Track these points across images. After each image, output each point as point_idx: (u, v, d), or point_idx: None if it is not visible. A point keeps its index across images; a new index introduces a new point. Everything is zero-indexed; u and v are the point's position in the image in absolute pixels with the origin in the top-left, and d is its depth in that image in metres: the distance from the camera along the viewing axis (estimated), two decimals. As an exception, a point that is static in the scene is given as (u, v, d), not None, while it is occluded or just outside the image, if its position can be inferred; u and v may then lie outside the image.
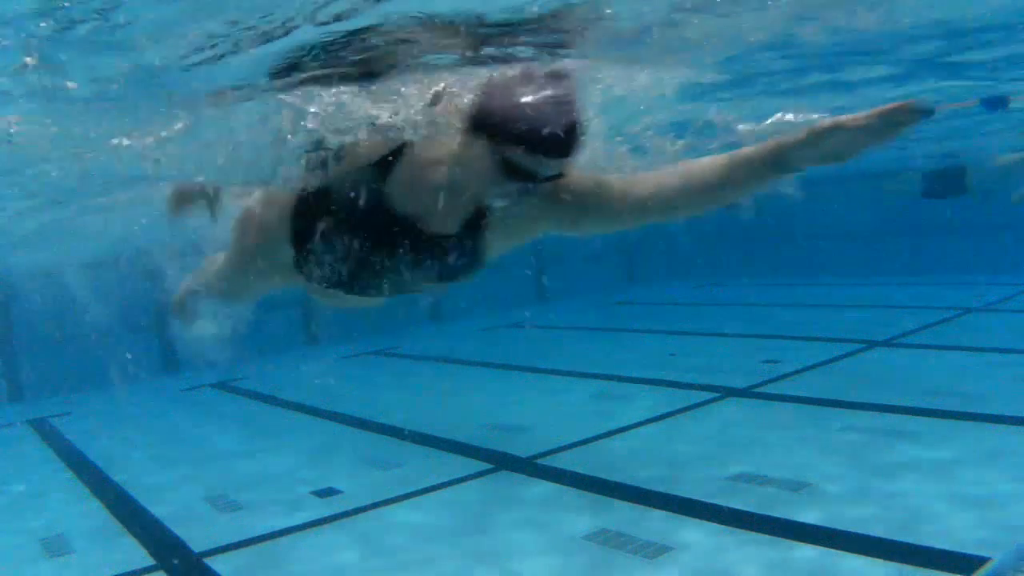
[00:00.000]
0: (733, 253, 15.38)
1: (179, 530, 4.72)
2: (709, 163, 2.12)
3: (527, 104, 1.88)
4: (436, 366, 9.82)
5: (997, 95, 6.61)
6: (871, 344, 8.27)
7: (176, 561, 4.33)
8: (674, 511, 4.29)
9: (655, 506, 4.40)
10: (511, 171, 1.95)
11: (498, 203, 2.15)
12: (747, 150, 2.07)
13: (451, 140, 2.04)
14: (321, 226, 2.28)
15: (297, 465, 5.91)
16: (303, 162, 2.41)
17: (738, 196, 2.15)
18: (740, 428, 5.77)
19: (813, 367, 7.49)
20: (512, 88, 1.93)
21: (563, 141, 1.90)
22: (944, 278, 12.68)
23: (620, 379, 7.77)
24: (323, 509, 4.87)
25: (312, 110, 2.72)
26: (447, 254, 2.28)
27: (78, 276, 10.06)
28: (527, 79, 1.94)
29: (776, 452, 5.08)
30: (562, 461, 5.39)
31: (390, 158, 2.16)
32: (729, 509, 4.23)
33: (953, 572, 3.31)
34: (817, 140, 1.92)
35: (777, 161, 2.01)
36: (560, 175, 2.04)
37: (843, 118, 1.87)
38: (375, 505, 4.87)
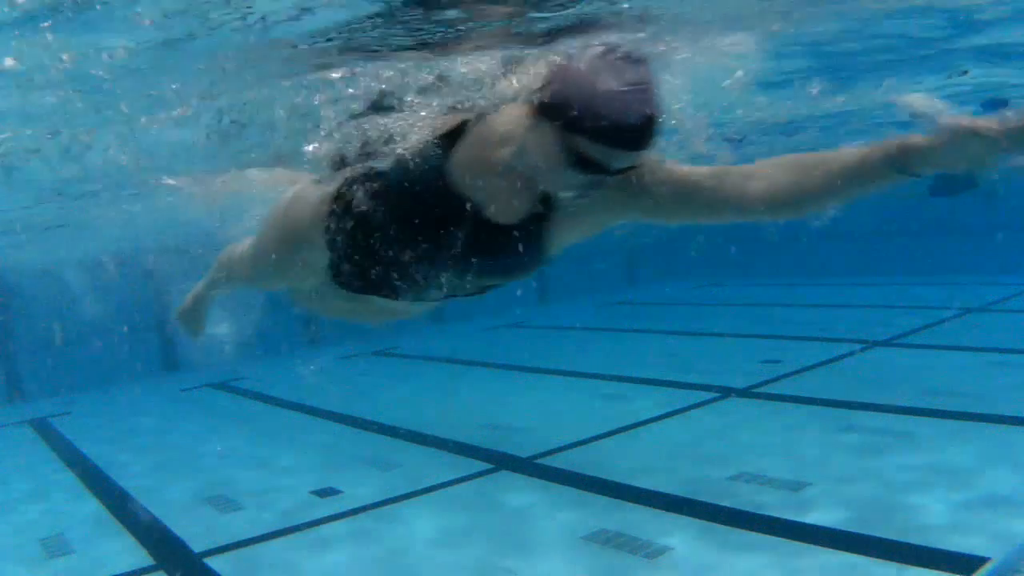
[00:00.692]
0: (733, 253, 15.38)
1: (179, 530, 4.72)
2: (814, 162, 1.87)
3: (603, 92, 1.72)
4: (436, 366, 9.82)
5: (997, 97, 6.61)
6: (871, 344, 8.27)
7: (176, 561, 4.33)
8: (674, 511, 4.29)
9: (655, 506, 4.40)
10: (581, 163, 1.80)
11: (565, 194, 1.97)
12: (862, 149, 1.81)
13: (518, 121, 1.89)
14: (365, 220, 2.11)
15: (297, 465, 5.90)
16: (355, 145, 2.30)
17: (841, 200, 1.90)
18: (740, 428, 5.77)
19: (813, 367, 7.49)
20: (587, 73, 1.76)
21: (640, 134, 1.75)
22: (944, 278, 12.67)
23: (620, 379, 7.76)
24: (323, 509, 4.87)
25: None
26: (509, 246, 2.10)
27: (78, 275, 10.07)
28: (604, 63, 1.76)
29: (776, 452, 5.08)
30: (562, 461, 5.39)
31: (455, 134, 2.01)
32: (729, 509, 4.23)
33: (953, 572, 3.31)
34: (951, 145, 1.64)
35: (901, 163, 1.74)
36: (633, 167, 1.89)
37: (980, 122, 1.59)
38: (375, 505, 4.87)
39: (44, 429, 8.22)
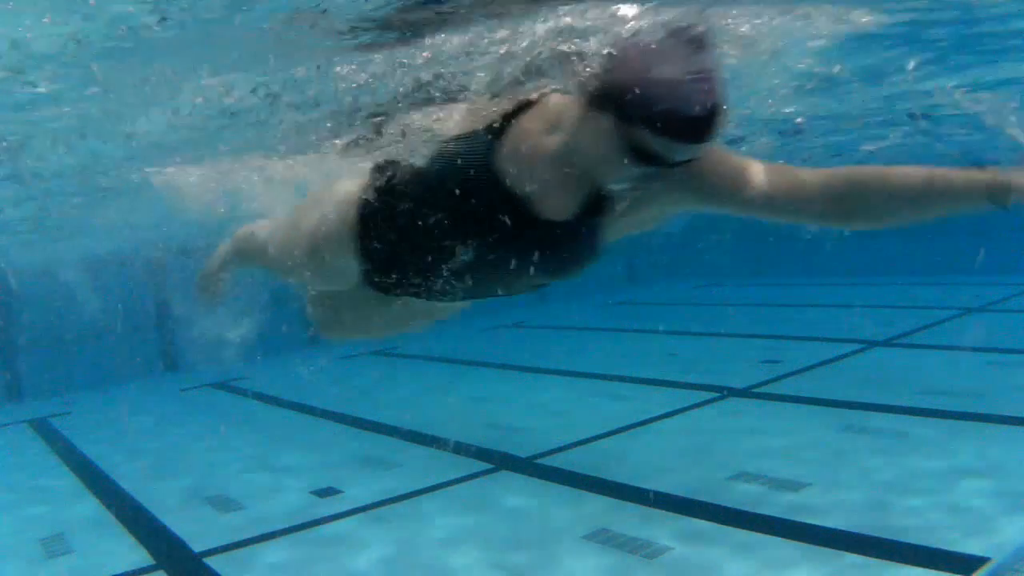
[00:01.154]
0: (733, 253, 15.37)
1: (179, 530, 4.72)
2: (898, 176, 1.79)
3: (666, 81, 1.60)
4: (436, 366, 9.82)
5: None
6: (871, 344, 8.27)
7: (176, 561, 4.33)
8: (674, 511, 4.29)
9: (655, 506, 4.40)
10: (639, 156, 1.69)
11: (620, 187, 1.86)
12: (952, 172, 1.74)
13: (570, 111, 1.77)
14: (405, 222, 1.99)
15: (297, 465, 5.90)
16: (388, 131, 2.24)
17: (914, 221, 1.85)
18: (740, 428, 5.76)
19: (813, 367, 7.49)
20: (648, 59, 1.63)
21: (704, 126, 1.63)
22: (944, 278, 12.67)
23: (620, 379, 7.76)
24: (323, 509, 4.87)
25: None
26: (562, 244, 1.99)
27: (78, 275, 10.07)
28: (666, 48, 1.64)
29: (776, 452, 5.08)
30: (562, 461, 5.39)
31: (504, 122, 1.88)
32: (729, 509, 4.23)
33: (953, 572, 3.31)
34: None
35: (998, 194, 1.68)
36: (693, 159, 1.77)
37: None
38: (375, 505, 4.87)
39: (44, 429, 8.22)
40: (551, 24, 2.43)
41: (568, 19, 2.39)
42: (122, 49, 2.65)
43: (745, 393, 6.77)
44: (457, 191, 1.92)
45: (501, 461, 5.49)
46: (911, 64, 4.83)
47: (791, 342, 8.93)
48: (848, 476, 4.54)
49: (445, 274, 2.08)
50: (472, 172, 1.90)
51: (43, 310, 10.25)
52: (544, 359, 9.23)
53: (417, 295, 2.24)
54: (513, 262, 2.02)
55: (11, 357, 10.49)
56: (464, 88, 2.60)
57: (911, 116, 6.77)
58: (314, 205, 2.30)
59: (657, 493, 4.58)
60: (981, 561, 3.34)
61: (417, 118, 2.47)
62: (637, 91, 1.61)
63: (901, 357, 7.76)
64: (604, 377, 7.94)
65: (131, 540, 4.68)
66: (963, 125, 7.94)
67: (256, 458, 6.19)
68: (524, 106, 1.91)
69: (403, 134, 2.41)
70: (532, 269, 2.06)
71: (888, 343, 8.34)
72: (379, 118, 3.01)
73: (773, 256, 15.23)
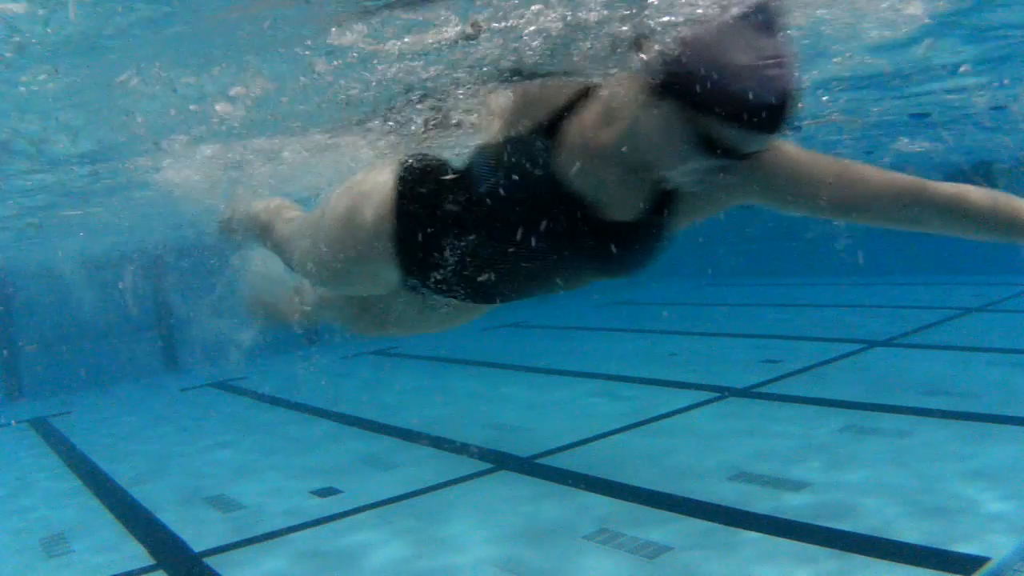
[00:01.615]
0: (733, 253, 15.37)
1: (179, 530, 4.72)
2: (968, 203, 1.75)
3: (738, 67, 1.49)
4: (436, 366, 9.82)
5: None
6: (871, 344, 8.27)
7: (176, 561, 4.33)
8: (674, 511, 4.29)
9: (655, 506, 4.40)
10: (709, 147, 1.59)
11: (686, 182, 1.74)
12: (1016, 202, 1.72)
13: (633, 100, 1.66)
14: (450, 221, 1.88)
15: (297, 465, 5.90)
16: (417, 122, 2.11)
17: (960, 235, 1.82)
18: (740, 428, 5.76)
19: (813, 367, 7.49)
20: (719, 44, 1.52)
21: (779, 115, 1.53)
22: (944, 278, 12.68)
23: (620, 379, 7.76)
24: (323, 508, 4.87)
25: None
26: (627, 245, 1.86)
27: (78, 275, 10.08)
28: (737, 32, 1.53)
29: (776, 452, 5.08)
30: (562, 461, 5.39)
31: (558, 120, 1.75)
32: (729, 509, 4.23)
33: (953, 572, 3.31)
34: None
35: None
36: (764, 151, 1.68)
37: None
38: (375, 505, 4.87)
39: (44, 429, 8.22)
40: None
41: None
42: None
43: (745, 393, 6.77)
44: (514, 201, 1.81)
45: (501, 461, 5.50)
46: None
47: (791, 342, 8.93)
48: (848, 476, 4.54)
49: (495, 280, 1.99)
50: (530, 180, 1.78)
51: (44, 310, 10.26)
52: (544, 359, 9.23)
53: (460, 300, 2.15)
54: (575, 266, 1.94)
55: (11, 357, 10.50)
56: (517, 70, 2.39)
57: (917, 116, 6.77)
58: (344, 213, 2.12)
59: (657, 492, 4.58)
60: (981, 561, 3.34)
61: (465, 103, 2.33)
62: (708, 77, 1.51)
63: (901, 357, 7.76)
64: (604, 377, 7.94)
65: (131, 540, 4.68)
66: (977, 127, 7.93)
67: (256, 458, 6.19)
68: (575, 100, 1.78)
69: (448, 123, 2.26)
70: (594, 271, 1.98)
71: (888, 343, 8.34)
72: (430, 101, 2.79)
73: (773, 256, 15.24)
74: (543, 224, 1.81)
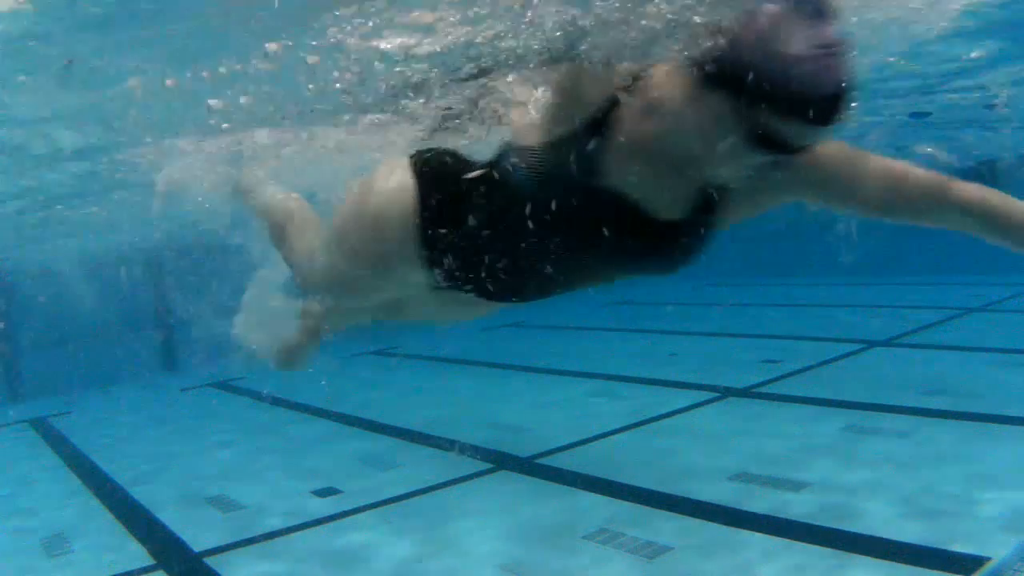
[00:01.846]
0: (733, 252, 15.35)
1: (179, 530, 4.72)
2: (994, 202, 1.76)
3: (794, 56, 1.42)
4: (436, 366, 9.82)
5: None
6: (871, 344, 8.27)
7: (176, 561, 4.33)
8: (674, 510, 4.29)
9: (655, 506, 4.40)
10: (762, 141, 1.53)
11: (734, 177, 1.69)
12: (990, 196, 1.75)
13: (680, 94, 1.59)
14: (482, 222, 1.83)
15: (297, 465, 5.90)
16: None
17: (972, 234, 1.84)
18: (740, 428, 5.76)
19: (813, 367, 7.49)
20: (771, 32, 1.45)
21: (836, 105, 1.47)
22: (944, 278, 12.67)
23: (620, 379, 7.77)
24: (323, 509, 4.87)
25: None
26: (671, 245, 1.80)
27: (78, 274, 10.07)
28: (789, 19, 1.46)
29: (776, 452, 5.08)
30: (562, 461, 5.39)
31: (602, 119, 1.67)
32: (729, 509, 4.23)
33: (953, 572, 3.31)
34: None
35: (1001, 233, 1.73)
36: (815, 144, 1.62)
37: None
38: (375, 505, 4.87)
39: (44, 429, 8.22)
40: None
41: None
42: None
43: (745, 393, 6.76)
44: (556, 203, 1.74)
45: (501, 461, 5.49)
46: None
47: (791, 342, 8.93)
48: (848, 476, 4.54)
49: (529, 279, 1.94)
50: (574, 182, 1.70)
51: (44, 310, 10.25)
52: (544, 359, 9.23)
53: (488, 298, 2.09)
54: (614, 265, 1.89)
55: (11, 357, 10.50)
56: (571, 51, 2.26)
57: (917, 115, 6.77)
58: (364, 220, 2.05)
59: (657, 492, 4.58)
60: (981, 561, 3.34)
61: (512, 90, 2.20)
62: (761, 69, 1.44)
63: (901, 357, 7.76)
64: (604, 377, 7.94)
65: (131, 540, 4.68)
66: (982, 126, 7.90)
67: (256, 458, 6.19)
68: (619, 98, 1.69)
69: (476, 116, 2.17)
70: (634, 270, 1.93)
71: (888, 343, 8.34)
72: (478, 81, 2.64)
73: (773, 256, 15.22)
74: (585, 225, 1.76)
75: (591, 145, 1.67)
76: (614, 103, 1.67)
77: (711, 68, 1.51)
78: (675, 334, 10.45)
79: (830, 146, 1.72)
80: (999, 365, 6.86)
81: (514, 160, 1.78)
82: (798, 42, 1.43)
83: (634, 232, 1.76)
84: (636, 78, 1.69)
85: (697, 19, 1.77)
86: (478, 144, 2.11)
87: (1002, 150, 9.97)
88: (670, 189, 1.73)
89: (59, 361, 10.33)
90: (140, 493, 5.52)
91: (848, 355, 7.87)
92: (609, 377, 7.90)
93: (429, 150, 2.06)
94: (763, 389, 6.83)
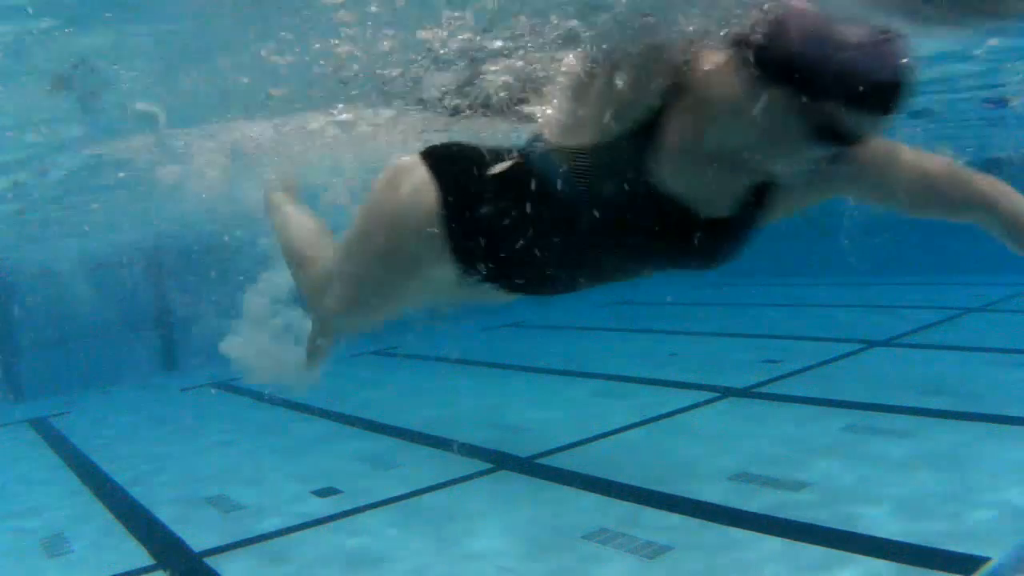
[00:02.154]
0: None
1: (179, 530, 4.72)
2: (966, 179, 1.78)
3: (854, 45, 1.38)
4: (436, 366, 9.81)
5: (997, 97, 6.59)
6: (871, 344, 8.26)
7: (176, 561, 4.32)
8: (674, 511, 4.29)
9: (655, 506, 4.40)
10: (823, 133, 1.48)
11: (793, 172, 1.63)
12: (991, 186, 1.76)
13: (730, 90, 1.53)
14: (515, 221, 1.77)
15: (297, 465, 5.90)
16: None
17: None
18: (740, 428, 5.76)
19: (813, 367, 7.49)
20: (824, 22, 1.42)
21: (895, 92, 1.43)
22: (944, 278, 12.67)
23: (620, 379, 7.76)
24: (323, 509, 4.87)
25: None
26: (717, 240, 1.76)
27: (78, 275, 10.08)
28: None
29: (776, 452, 5.08)
30: (562, 461, 5.39)
31: (658, 118, 1.61)
32: (729, 509, 4.23)
33: (953, 572, 3.31)
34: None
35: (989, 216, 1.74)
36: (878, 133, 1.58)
37: None
38: (375, 505, 4.87)
39: (44, 429, 8.22)
40: None
41: None
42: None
43: (745, 393, 6.76)
44: (600, 207, 1.68)
45: (501, 461, 5.49)
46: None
47: (791, 342, 8.92)
48: (848, 476, 4.54)
49: (562, 275, 1.90)
50: (621, 185, 1.64)
51: (44, 310, 10.26)
52: (544, 359, 9.22)
53: (516, 291, 2.05)
54: (654, 261, 1.86)
55: (11, 357, 10.50)
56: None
57: (917, 114, 6.74)
58: (387, 210, 1.99)
59: (657, 492, 4.58)
60: (981, 561, 3.34)
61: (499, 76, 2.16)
62: (823, 60, 1.39)
63: (901, 357, 7.76)
64: (604, 377, 7.94)
65: (131, 540, 4.68)
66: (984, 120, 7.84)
67: (256, 458, 6.19)
68: (669, 98, 1.62)
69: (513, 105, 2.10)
70: (673, 266, 1.90)
71: (888, 343, 8.34)
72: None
73: (773, 256, 15.20)
74: (629, 225, 1.72)
75: (642, 147, 1.63)
76: (666, 103, 1.62)
77: (769, 61, 1.46)
78: (675, 334, 10.45)
79: (878, 140, 1.69)
80: (999, 365, 6.86)
81: (559, 166, 1.71)
82: (854, 30, 1.40)
83: (680, 231, 1.72)
84: (684, 82, 1.62)
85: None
86: (493, 135, 2.06)
87: (1005, 149, 9.96)
88: (721, 187, 1.69)
89: (59, 361, 10.33)
90: (140, 493, 5.52)
91: (848, 355, 7.87)
92: (609, 377, 7.90)
93: (446, 143, 2.01)
94: (763, 389, 6.83)
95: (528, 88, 2.35)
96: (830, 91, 1.41)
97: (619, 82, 1.60)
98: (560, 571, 3.75)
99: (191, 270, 10.31)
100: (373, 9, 2.43)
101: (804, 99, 1.44)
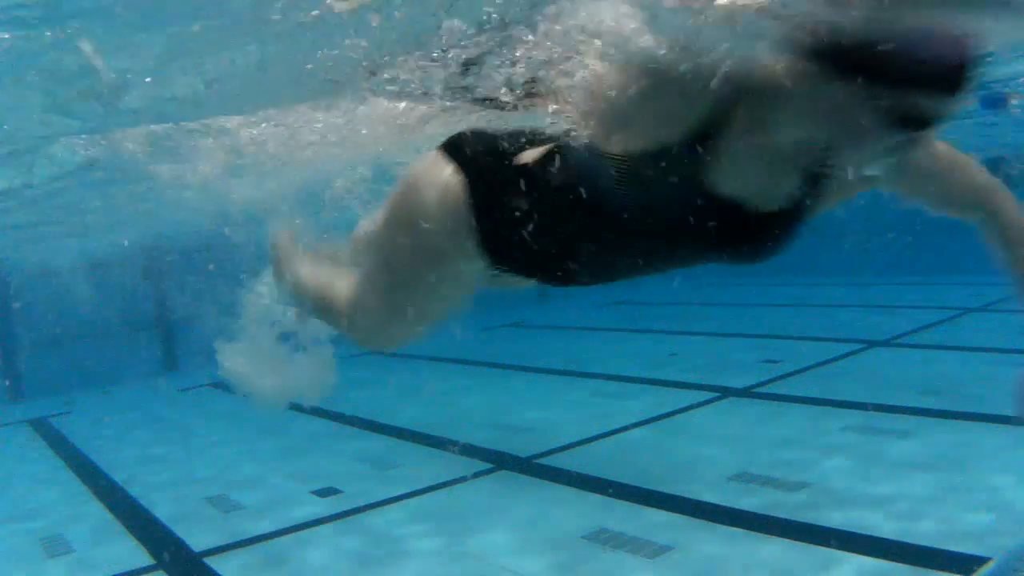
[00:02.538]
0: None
1: (179, 530, 4.72)
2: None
3: (915, 27, 1.37)
4: (436, 366, 9.81)
5: (996, 94, 6.58)
6: (871, 344, 8.26)
7: (176, 561, 4.32)
8: (674, 511, 4.29)
9: (655, 506, 4.40)
10: (897, 119, 1.43)
11: (866, 162, 1.57)
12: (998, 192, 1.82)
13: (794, 85, 1.47)
14: (562, 234, 1.74)
15: (297, 465, 5.90)
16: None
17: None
18: (740, 428, 5.76)
19: (813, 367, 7.49)
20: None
21: (963, 70, 1.39)
22: (944, 278, 12.67)
23: (620, 379, 7.77)
24: (323, 508, 4.87)
25: None
26: (768, 236, 1.73)
27: (78, 274, 10.07)
28: None
29: (776, 452, 5.08)
30: (562, 461, 5.39)
31: (716, 123, 1.54)
32: (729, 509, 4.23)
33: (953, 572, 3.31)
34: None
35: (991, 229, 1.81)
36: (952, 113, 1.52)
37: None
38: (375, 505, 4.87)
39: (44, 429, 8.22)
40: None
41: None
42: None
43: (745, 393, 6.76)
44: (648, 209, 1.64)
45: (501, 461, 5.49)
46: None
47: (791, 342, 8.93)
48: (849, 476, 4.54)
49: (595, 271, 1.88)
50: (671, 190, 1.59)
51: (44, 310, 10.25)
52: (544, 359, 9.23)
53: (551, 283, 2.01)
54: (699, 258, 1.83)
55: (11, 357, 10.50)
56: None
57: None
58: (414, 206, 1.92)
59: (657, 492, 4.58)
60: (981, 561, 3.34)
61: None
62: (892, 46, 1.35)
63: (901, 357, 7.76)
64: (604, 377, 7.94)
65: (131, 540, 4.68)
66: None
67: (256, 458, 6.19)
68: (727, 102, 1.54)
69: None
70: (718, 261, 1.85)
71: (888, 343, 8.34)
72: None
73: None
74: (677, 224, 1.67)
75: (697, 151, 1.55)
76: (727, 106, 1.54)
77: (837, 52, 1.40)
78: (675, 334, 10.45)
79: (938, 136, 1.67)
80: (999, 365, 6.85)
81: (604, 168, 1.63)
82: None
83: (733, 227, 1.68)
84: (741, 83, 1.54)
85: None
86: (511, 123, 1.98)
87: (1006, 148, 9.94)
88: (778, 182, 1.65)
89: (59, 361, 10.33)
90: (139, 493, 5.52)
91: (848, 355, 7.87)
92: (609, 377, 7.90)
93: (463, 133, 1.95)
94: (763, 389, 6.83)
95: (546, 89, 2.27)
96: (901, 76, 1.38)
97: (676, 97, 1.54)
98: (560, 571, 3.75)
99: (191, 269, 10.30)
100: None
101: (876, 87, 1.40)
